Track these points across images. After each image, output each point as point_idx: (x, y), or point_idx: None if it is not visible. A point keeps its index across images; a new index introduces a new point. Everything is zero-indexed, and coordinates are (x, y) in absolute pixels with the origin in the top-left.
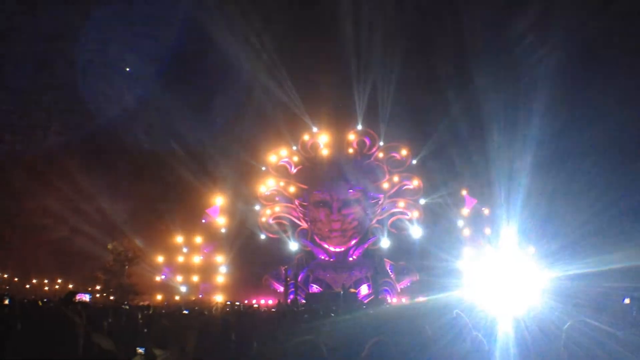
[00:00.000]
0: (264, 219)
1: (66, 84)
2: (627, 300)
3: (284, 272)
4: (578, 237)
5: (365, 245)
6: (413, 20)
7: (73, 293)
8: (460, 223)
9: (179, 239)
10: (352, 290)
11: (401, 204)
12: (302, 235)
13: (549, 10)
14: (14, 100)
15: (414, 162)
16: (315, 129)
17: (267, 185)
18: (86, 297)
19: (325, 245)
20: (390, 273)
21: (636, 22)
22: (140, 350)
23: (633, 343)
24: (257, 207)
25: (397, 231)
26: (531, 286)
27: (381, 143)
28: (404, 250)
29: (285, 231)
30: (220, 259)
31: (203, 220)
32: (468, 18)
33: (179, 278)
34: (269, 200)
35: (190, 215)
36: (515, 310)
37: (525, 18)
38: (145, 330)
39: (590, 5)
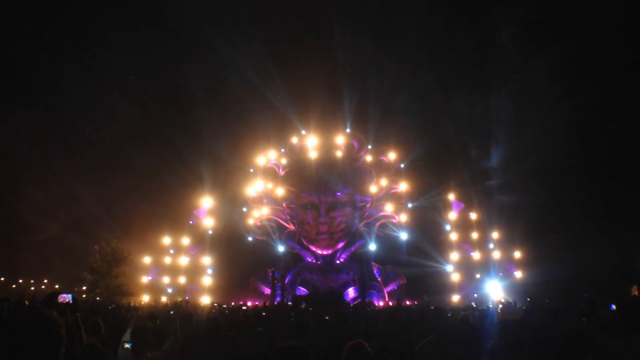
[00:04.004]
0: (251, 221)
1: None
2: (614, 307)
3: (270, 274)
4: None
5: (353, 249)
6: (403, 26)
7: (55, 294)
8: (448, 227)
9: (166, 240)
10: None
11: (389, 207)
12: (290, 237)
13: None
14: None
15: (402, 166)
16: (303, 132)
17: (255, 187)
18: (69, 297)
19: (313, 248)
20: (377, 276)
21: None
22: (127, 346)
23: None
24: (244, 209)
25: (385, 235)
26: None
27: (370, 146)
28: (391, 253)
29: (272, 233)
30: (207, 260)
31: (190, 222)
32: (457, 25)
33: (166, 279)
34: (257, 202)
35: (178, 216)
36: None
37: (514, 25)
38: (131, 330)
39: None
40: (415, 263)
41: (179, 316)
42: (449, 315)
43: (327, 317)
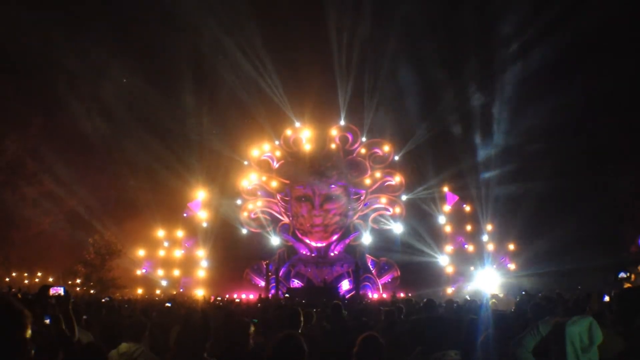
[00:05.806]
0: (245, 214)
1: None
2: (607, 298)
3: (265, 266)
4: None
5: (347, 241)
6: (398, 17)
7: (46, 287)
8: (442, 219)
9: (160, 232)
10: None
11: (383, 199)
12: (284, 230)
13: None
14: None
15: (396, 158)
16: (298, 124)
17: (249, 180)
18: (61, 290)
19: (307, 240)
20: (372, 269)
21: None
22: None
23: None
24: (239, 202)
25: (379, 227)
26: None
27: (364, 139)
28: (385, 246)
29: (266, 226)
30: (201, 253)
31: (185, 214)
32: (453, 15)
33: (160, 272)
34: (251, 194)
35: (172, 209)
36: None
37: (512, 21)
38: (123, 324)
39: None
40: (409, 255)
41: (173, 312)
42: (444, 305)
43: (320, 309)
